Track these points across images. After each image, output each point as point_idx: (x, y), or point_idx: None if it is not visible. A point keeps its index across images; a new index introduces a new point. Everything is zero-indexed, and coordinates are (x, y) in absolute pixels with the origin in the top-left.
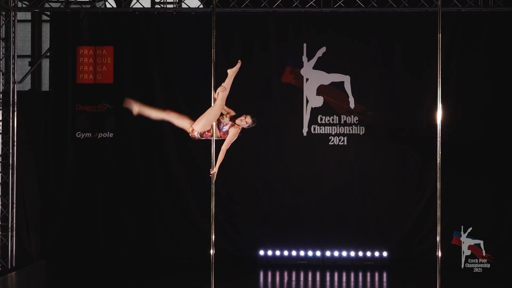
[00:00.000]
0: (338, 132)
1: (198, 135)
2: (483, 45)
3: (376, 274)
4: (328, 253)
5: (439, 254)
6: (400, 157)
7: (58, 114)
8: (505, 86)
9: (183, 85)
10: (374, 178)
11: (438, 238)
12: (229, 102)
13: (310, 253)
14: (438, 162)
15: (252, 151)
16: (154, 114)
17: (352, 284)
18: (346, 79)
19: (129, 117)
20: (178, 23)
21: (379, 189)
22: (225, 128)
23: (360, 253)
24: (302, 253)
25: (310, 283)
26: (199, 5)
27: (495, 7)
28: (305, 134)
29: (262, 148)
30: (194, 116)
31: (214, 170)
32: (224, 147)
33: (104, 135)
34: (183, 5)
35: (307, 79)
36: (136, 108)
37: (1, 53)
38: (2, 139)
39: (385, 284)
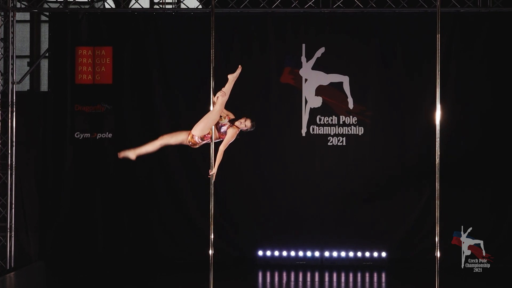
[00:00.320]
0: (337, 133)
1: (199, 140)
2: (482, 45)
3: (375, 275)
4: (327, 254)
5: (438, 254)
6: (399, 158)
7: (57, 114)
8: (504, 86)
9: (182, 86)
10: (373, 178)
11: (436, 239)
12: (228, 102)
13: (309, 254)
14: (436, 163)
15: (251, 151)
16: (150, 147)
17: (351, 284)
18: (345, 80)
19: (128, 118)
20: (177, 24)
21: (378, 189)
22: (223, 129)
23: (359, 254)
24: (301, 253)
25: (309, 283)
26: (198, 6)
27: (494, 7)
28: (304, 134)
29: (261, 149)
30: (186, 125)
31: (213, 171)
32: (222, 148)
33: (103, 135)
34: (182, 6)
35: (306, 80)
36: (132, 154)
37: (0, 53)
38: (1, 139)
39: (383, 284)
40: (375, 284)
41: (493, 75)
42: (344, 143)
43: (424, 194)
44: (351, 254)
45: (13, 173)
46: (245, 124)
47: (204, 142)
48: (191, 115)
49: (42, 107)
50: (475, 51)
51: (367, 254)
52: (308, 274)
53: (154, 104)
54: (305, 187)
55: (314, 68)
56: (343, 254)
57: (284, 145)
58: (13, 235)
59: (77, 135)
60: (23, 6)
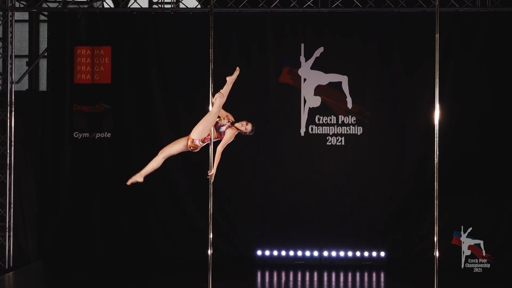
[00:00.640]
0: (335, 132)
1: (200, 143)
2: (481, 45)
3: (374, 274)
4: (325, 253)
5: (437, 254)
6: (398, 157)
7: (55, 114)
8: (503, 86)
9: (181, 85)
10: (372, 178)
11: (435, 238)
12: (227, 102)
13: (307, 253)
14: (435, 162)
15: (250, 151)
16: (154, 164)
17: (349, 284)
18: (344, 79)
19: (126, 117)
20: (176, 23)
21: (376, 189)
22: (222, 129)
23: (358, 253)
24: (299, 253)
25: (307, 283)
26: (197, 5)
27: (493, 7)
28: (302, 134)
29: (260, 148)
30: (185, 124)
31: (212, 172)
32: (220, 148)
33: (102, 135)
34: (181, 5)
35: (304, 79)
36: (139, 177)
37: None
38: None
39: (382, 284)
40: (374, 284)
41: (491, 75)
42: (343, 143)
43: (423, 193)
44: (350, 253)
45: (12, 172)
46: (245, 127)
47: (204, 144)
48: (190, 115)
49: (41, 107)
50: (474, 51)
51: (366, 253)
52: (307, 274)
53: (153, 103)
54: (304, 186)
55: (313, 67)
56: (342, 253)
57: (283, 145)
58: (12, 235)
59: (76, 134)
60: (22, 5)
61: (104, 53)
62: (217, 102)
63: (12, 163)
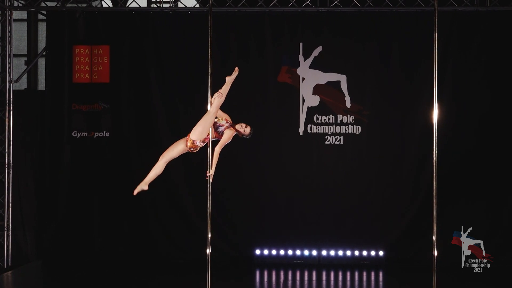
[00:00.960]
0: (334, 132)
1: (201, 143)
2: (480, 44)
3: (372, 274)
4: (324, 253)
5: (435, 253)
6: (397, 157)
7: (54, 113)
8: (502, 85)
9: (180, 84)
10: (371, 177)
11: (434, 238)
12: (225, 101)
13: (306, 253)
14: (434, 162)
15: (249, 150)
16: (157, 169)
17: (348, 283)
18: (342, 79)
19: (125, 116)
20: (175, 23)
21: (375, 188)
22: (220, 129)
23: (356, 253)
24: (298, 252)
25: (306, 282)
26: (196, 4)
27: (492, 6)
28: (301, 133)
29: (259, 148)
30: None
31: (211, 173)
32: (218, 149)
33: (101, 134)
34: (180, 5)
35: (303, 79)
36: (144, 185)
37: None
38: None
39: (381, 283)
40: (372, 283)
41: (490, 74)
42: (341, 142)
43: (422, 192)
44: (348, 253)
45: (11, 172)
46: (244, 129)
47: (205, 144)
48: (189, 114)
49: (39, 106)
50: (472, 50)
51: (365, 253)
52: (306, 273)
53: (152, 103)
54: (302, 185)
55: (311, 67)
56: (340, 253)
57: (281, 144)
58: (10, 234)
59: (74, 134)
60: (20, 4)
61: (102, 52)
62: (215, 101)
63: (11, 162)
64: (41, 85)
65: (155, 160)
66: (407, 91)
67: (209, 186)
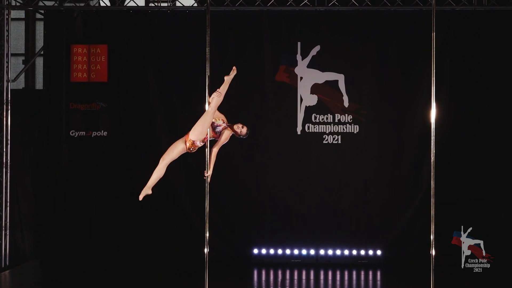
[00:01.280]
0: (332, 131)
1: (201, 143)
2: (478, 44)
3: (370, 273)
4: (322, 252)
5: (433, 252)
6: (395, 156)
7: (52, 112)
8: (500, 84)
9: (178, 84)
10: (368, 176)
11: (432, 237)
12: (223, 101)
13: (304, 252)
14: (432, 161)
15: (247, 150)
16: (159, 172)
17: (346, 282)
18: (340, 78)
19: (123, 116)
20: (172, 22)
21: (373, 187)
22: (218, 129)
23: (354, 252)
24: (296, 251)
25: (304, 281)
26: (193, 4)
27: (489, 5)
28: (299, 132)
29: (256, 147)
30: (182, 123)
31: (209, 173)
32: (216, 150)
33: (98, 133)
34: (177, 4)
35: (301, 78)
36: (148, 190)
37: None
38: None
39: (379, 282)
40: (370, 282)
41: (488, 73)
42: (339, 141)
43: (420, 192)
44: (346, 252)
45: (8, 171)
46: (241, 130)
47: (204, 143)
48: (187, 113)
49: (37, 105)
50: (470, 49)
51: (363, 252)
52: (304, 273)
53: (150, 102)
54: (300, 185)
55: (309, 66)
56: (338, 252)
57: (279, 143)
58: (8, 234)
59: (72, 133)
60: (18, 4)
61: (100, 51)
62: (214, 101)
63: (9, 161)
64: (39, 84)
65: (153, 159)
66: (405, 90)
67: (207, 186)
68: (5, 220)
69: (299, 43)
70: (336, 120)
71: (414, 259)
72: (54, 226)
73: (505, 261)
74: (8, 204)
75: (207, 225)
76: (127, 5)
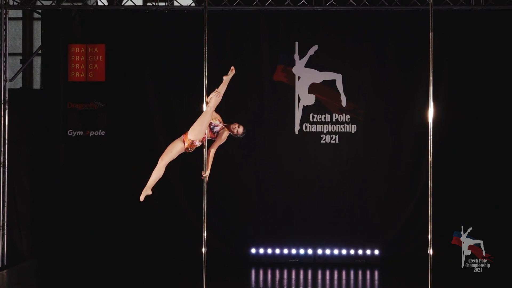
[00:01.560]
0: (330, 130)
1: (199, 143)
2: (475, 43)
3: (368, 272)
4: (320, 251)
5: (431, 252)
6: (392, 156)
7: (49, 112)
8: (497, 84)
9: (175, 83)
10: (366, 176)
11: (429, 236)
12: (221, 100)
13: (301, 251)
14: (429, 161)
15: (244, 149)
16: (158, 172)
17: (343, 282)
18: (338, 77)
19: (121, 115)
20: (170, 21)
21: (371, 187)
22: (215, 129)
23: (352, 251)
24: (293, 251)
25: (301, 281)
26: (191, 3)
27: (487, 5)
28: (297, 132)
29: (254, 147)
30: (180, 123)
31: (206, 173)
32: (213, 150)
33: (96, 133)
34: (175, 3)
35: (299, 77)
36: (148, 190)
37: None
38: None
39: (376, 282)
40: (368, 282)
41: (486, 73)
42: (337, 141)
43: (417, 192)
44: (344, 251)
45: (6, 170)
46: (237, 129)
47: (201, 143)
48: (184, 112)
49: (34, 105)
50: (468, 49)
51: (360, 251)
52: (301, 272)
53: (147, 101)
54: (298, 184)
55: (307, 66)
56: (336, 251)
57: (277, 143)
58: (5, 233)
59: (69, 132)
60: (15, 3)
61: (98, 51)
62: (212, 101)
63: (6, 161)
64: (37, 84)
65: (151, 158)
66: (403, 90)
67: (205, 185)
68: (3, 220)
69: (296, 43)
70: (334, 120)
71: (411, 259)
72: (51, 225)
73: (499, 260)
74: (6, 203)
75: (204, 224)
76: (125, 4)
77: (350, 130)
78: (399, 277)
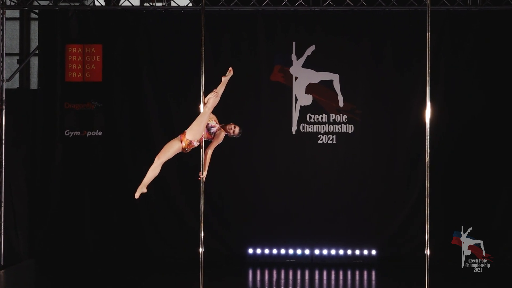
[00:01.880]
0: (327, 131)
1: (197, 143)
2: (472, 43)
3: (365, 273)
4: (317, 252)
5: (428, 252)
6: (389, 156)
7: (46, 112)
8: (494, 84)
9: (173, 83)
10: (364, 176)
11: (426, 237)
12: (219, 100)
13: (299, 252)
14: (427, 161)
15: (242, 149)
16: (154, 171)
17: (340, 282)
18: (335, 78)
19: (118, 116)
20: (167, 21)
21: (368, 187)
22: (212, 130)
23: (349, 252)
24: (291, 251)
25: (299, 281)
26: (188, 3)
27: (484, 5)
28: (294, 132)
29: (252, 147)
30: (177, 123)
31: (204, 175)
32: (210, 151)
33: (93, 133)
34: (172, 3)
35: (296, 78)
36: (143, 188)
37: None
38: None
39: (373, 282)
40: (365, 282)
41: (483, 73)
42: (334, 141)
43: (414, 192)
44: (341, 252)
45: (3, 171)
46: (233, 130)
47: (199, 144)
48: (181, 113)
49: (32, 105)
50: (465, 49)
51: (357, 252)
52: (298, 272)
53: (144, 102)
54: (295, 185)
55: (304, 66)
56: (333, 252)
57: (274, 143)
58: (2, 233)
59: (67, 133)
60: (13, 3)
61: (95, 51)
62: (211, 101)
63: (3, 161)
64: (34, 84)
65: (148, 159)
66: (400, 90)
67: (202, 186)
68: (0, 220)
69: (294, 43)
70: (331, 120)
71: (409, 259)
72: (48, 225)
73: (498, 260)
74: (2, 203)
75: (201, 224)
76: (122, 4)
77: (347, 131)
78: (396, 277)
